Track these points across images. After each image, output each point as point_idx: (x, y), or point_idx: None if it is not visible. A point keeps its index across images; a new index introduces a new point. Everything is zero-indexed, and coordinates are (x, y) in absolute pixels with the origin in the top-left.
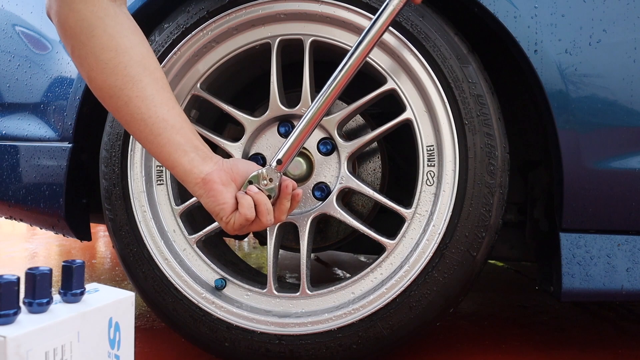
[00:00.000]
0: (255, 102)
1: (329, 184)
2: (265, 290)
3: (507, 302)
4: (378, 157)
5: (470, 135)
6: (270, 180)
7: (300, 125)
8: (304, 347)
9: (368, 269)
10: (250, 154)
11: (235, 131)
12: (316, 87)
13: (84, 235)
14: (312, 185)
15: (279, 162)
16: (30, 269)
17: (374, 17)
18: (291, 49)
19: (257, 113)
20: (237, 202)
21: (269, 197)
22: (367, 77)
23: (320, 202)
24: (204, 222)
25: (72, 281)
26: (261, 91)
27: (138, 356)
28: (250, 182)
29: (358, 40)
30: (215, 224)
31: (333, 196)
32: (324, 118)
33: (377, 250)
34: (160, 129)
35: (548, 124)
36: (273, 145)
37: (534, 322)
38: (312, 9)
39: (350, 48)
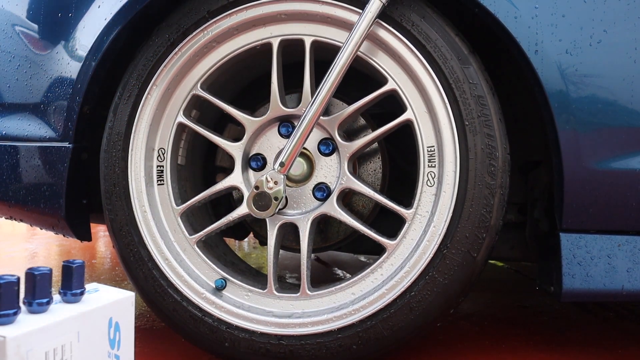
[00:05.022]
0: (256, 103)
1: (329, 184)
2: (265, 291)
3: (507, 302)
4: (378, 158)
5: (471, 136)
6: (276, 183)
7: (299, 128)
8: (305, 347)
9: (368, 270)
10: (251, 154)
11: (235, 131)
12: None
13: (84, 235)
14: (313, 185)
15: (282, 164)
16: (30, 269)
17: (362, 12)
18: (292, 49)
19: (257, 113)
20: None
21: (276, 199)
22: (367, 77)
23: (321, 202)
24: (204, 222)
25: (72, 281)
26: (262, 91)
27: (138, 356)
28: (257, 188)
29: (348, 37)
30: (215, 225)
31: (333, 197)
32: (324, 118)
33: (378, 250)
34: None
35: (548, 124)
36: (274, 146)
37: (534, 322)
38: (313, 9)
39: None
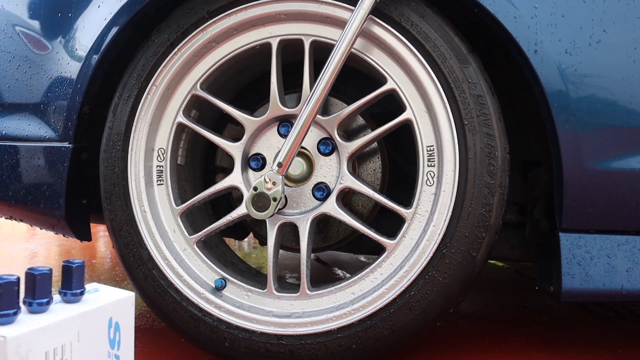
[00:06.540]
0: (256, 103)
1: (329, 184)
2: (265, 291)
3: (507, 302)
4: (378, 157)
5: (470, 135)
6: (274, 183)
7: (295, 128)
8: (304, 347)
9: (368, 269)
10: (251, 154)
11: (235, 131)
12: None
13: (84, 235)
14: (312, 185)
15: (280, 165)
16: (30, 269)
17: (355, 9)
18: (291, 49)
19: (257, 113)
20: None
21: (275, 199)
22: (367, 77)
23: (321, 202)
24: (204, 222)
25: (72, 281)
26: (261, 91)
27: (138, 356)
28: (255, 189)
29: (341, 35)
30: (215, 225)
31: (333, 196)
32: (323, 118)
33: (378, 250)
34: None
35: (548, 124)
36: (273, 146)
37: (534, 322)
38: (313, 9)
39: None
